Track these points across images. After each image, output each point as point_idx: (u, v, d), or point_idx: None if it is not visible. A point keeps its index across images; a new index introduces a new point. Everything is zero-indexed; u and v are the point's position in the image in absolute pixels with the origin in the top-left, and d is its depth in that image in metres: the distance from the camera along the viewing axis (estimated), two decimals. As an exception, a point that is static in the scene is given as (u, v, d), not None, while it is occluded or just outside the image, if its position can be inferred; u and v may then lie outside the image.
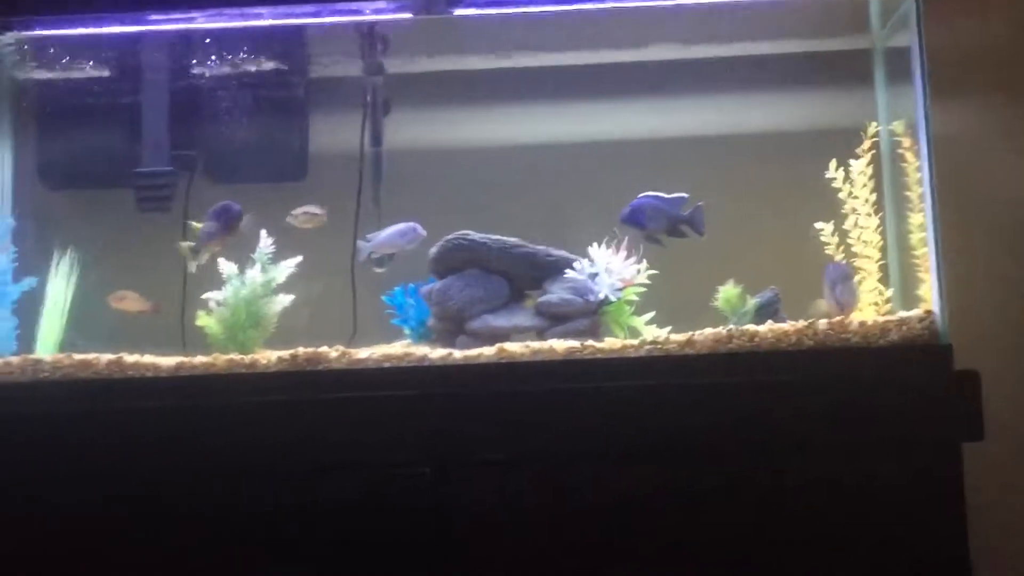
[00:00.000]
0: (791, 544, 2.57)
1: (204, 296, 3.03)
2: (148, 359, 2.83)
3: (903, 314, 2.78)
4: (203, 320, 3.00)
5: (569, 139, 3.45)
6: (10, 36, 3.18)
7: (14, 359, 2.85)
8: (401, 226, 3.08)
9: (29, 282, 3.05)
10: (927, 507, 2.55)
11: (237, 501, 2.63)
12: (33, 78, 3.38)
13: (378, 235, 3.09)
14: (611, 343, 2.77)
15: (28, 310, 3.07)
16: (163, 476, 2.64)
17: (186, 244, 3.05)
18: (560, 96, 3.44)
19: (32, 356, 2.88)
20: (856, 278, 2.96)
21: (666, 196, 2.97)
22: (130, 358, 2.82)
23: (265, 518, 2.62)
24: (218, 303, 3.01)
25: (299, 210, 3.10)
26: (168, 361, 2.82)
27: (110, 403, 2.70)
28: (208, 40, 3.31)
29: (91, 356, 2.82)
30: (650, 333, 2.86)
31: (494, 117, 3.48)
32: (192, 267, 3.05)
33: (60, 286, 3.08)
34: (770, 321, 2.83)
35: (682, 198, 2.97)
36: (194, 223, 3.05)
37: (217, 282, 3.04)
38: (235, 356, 2.83)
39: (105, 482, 2.64)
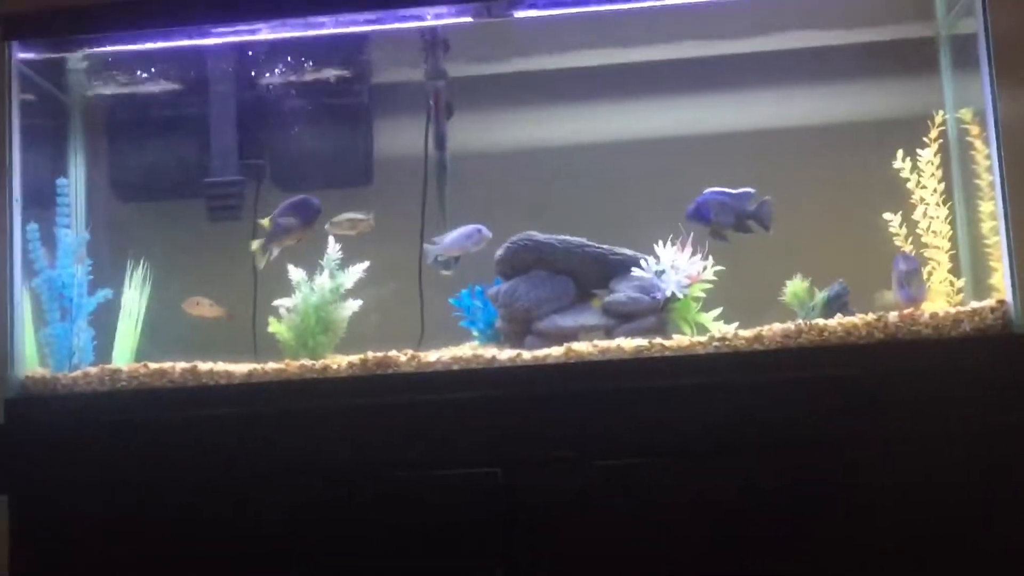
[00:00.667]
0: (864, 538, 2.55)
1: (275, 303, 3.07)
2: (221, 367, 2.88)
3: (975, 304, 2.74)
4: (274, 327, 3.04)
5: (633, 137, 3.44)
6: (80, 54, 3.25)
7: (92, 369, 2.92)
8: (467, 228, 3.09)
9: (104, 293, 3.11)
10: (1002, 500, 2.52)
11: (312, 504, 2.67)
12: (104, 93, 3.45)
13: (444, 238, 3.11)
14: (679, 340, 2.76)
15: (104, 321, 3.12)
16: (238, 482, 2.69)
17: (257, 242, 3.08)
18: (623, 94, 3.43)
19: (109, 366, 2.94)
20: (926, 269, 2.93)
21: (732, 191, 2.96)
22: (204, 366, 2.87)
23: (339, 520, 2.65)
24: (288, 310, 3.05)
25: (341, 216, 3.12)
26: (241, 368, 2.87)
27: (185, 411, 2.76)
28: (272, 50, 3.36)
29: (167, 365, 2.88)
30: (718, 329, 2.85)
31: (557, 117, 3.48)
32: (261, 264, 3.07)
33: (134, 296, 3.14)
34: (839, 315, 2.81)
35: (748, 193, 2.96)
36: (263, 221, 3.08)
37: (287, 289, 3.08)
38: (306, 362, 2.87)
39: (183, 489, 2.70)
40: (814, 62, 3.35)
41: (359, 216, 3.11)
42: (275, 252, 3.06)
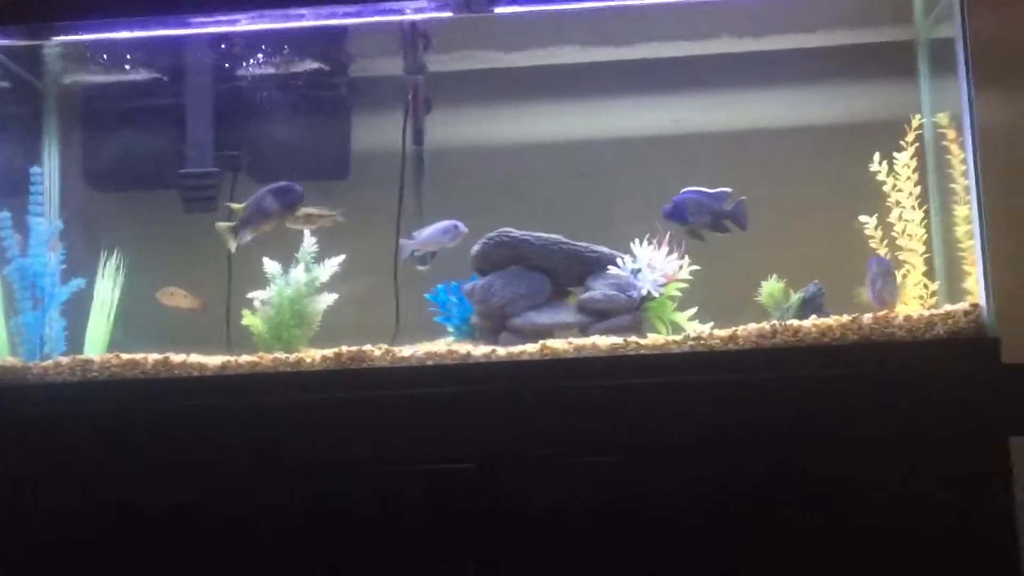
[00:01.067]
0: (835, 540, 2.55)
1: (249, 295, 3.05)
2: (194, 358, 2.86)
3: (949, 307, 2.75)
4: (248, 319, 3.03)
5: (611, 135, 3.44)
6: (57, 41, 3.22)
7: (64, 359, 2.90)
8: (443, 224, 3.08)
9: (77, 283, 3.09)
10: (975, 503, 2.53)
11: (283, 498, 2.65)
12: (80, 81, 3.42)
13: (421, 233, 3.10)
14: (654, 339, 2.77)
15: (76, 311, 3.10)
16: (210, 474, 2.67)
17: (224, 224, 3.05)
18: (601, 92, 3.43)
19: (81, 356, 2.92)
20: (900, 271, 2.94)
21: (709, 191, 2.96)
22: (177, 357, 2.86)
23: (311, 515, 2.63)
24: (263, 302, 3.04)
25: (301, 211, 3.10)
26: (214, 360, 2.85)
27: (157, 402, 2.74)
28: (251, 42, 3.34)
29: (139, 356, 2.86)
30: (693, 329, 2.86)
31: (535, 114, 3.48)
32: (232, 246, 3.04)
33: (107, 287, 3.12)
34: (814, 316, 2.82)
35: (725, 193, 2.96)
36: (234, 204, 3.05)
37: (262, 282, 3.06)
38: (280, 355, 2.85)
39: (153, 480, 2.67)
40: (793, 64, 3.37)
41: (315, 211, 3.08)
42: (248, 237, 3.03)
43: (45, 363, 2.89)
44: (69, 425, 2.69)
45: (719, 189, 2.96)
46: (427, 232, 3.09)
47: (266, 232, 3.05)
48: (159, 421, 2.68)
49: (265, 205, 3.03)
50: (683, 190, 2.97)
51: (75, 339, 3.08)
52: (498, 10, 3.01)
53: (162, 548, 2.65)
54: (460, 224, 3.07)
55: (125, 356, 2.87)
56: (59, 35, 3.16)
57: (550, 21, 3.29)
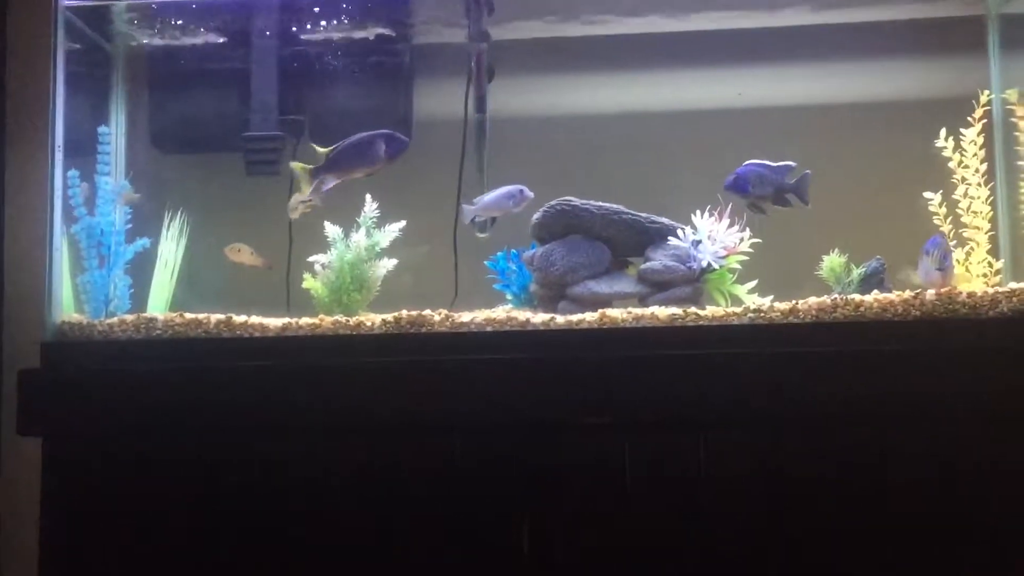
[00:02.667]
0: (895, 519, 2.55)
1: (310, 259, 3.08)
2: (256, 319, 2.90)
3: (1014, 285, 2.73)
4: (309, 283, 3.05)
5: (674, 107, 3.43)
6: (126, 3, 3.26)
7: (128, 317, 2.94)
8: (508, 188, 3.08)
9: (142, 243, 3.13)
10: (1035, 481, 2.52)
11: (340, 460, 2.68)
12: (147, 44, 3.45)
13: (483, 197, 3.10)
14: (713, 311, 2.76)
15: (141, 270, 3.14)
16: (267, 433, 2.70)
17: (300, 165, 3.06)
18: (665, 63, 3.42)
19: (145, 314, 2.96)
20: (964, 248, 2.91)
21: (772, 164, 2.95)
22: (238, 318, 2.89)
23: (369, 476, 2.66)
24: (323, 266, 3.06)
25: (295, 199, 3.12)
26: (275, 322, 2.88)
27: (219, 361, 2.78)
28: (316, 7, 3.36)
29: (201, 316, 2.90)
30: (753, 301, 2.85)
31: (598, 84, 3.47)
32: (307, 192, 3.04)
33: (171, 247, 3.16)
34: (876, 291, 2.80)
35: (788, 166, 2.95)
36: (319, 147, 3.05)
37: (323, 246, 3.09)
38: (340, 318, 2.88)
39: (213, 437, 2.71)
40: (860, 38, 3.33)
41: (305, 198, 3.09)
42: (330, 183, 3.03)
43: (110, 320, 2.94)
44: (132, 381, 2.73)
45: (782, 163, 2.95)
46: (491, 196, 3.09)
47: (353, 179, 3.05)
48: (221, 380, 2.72)
49: (367, 149, 3.02)
50: (745, 163, 2.96)
51: (139, 298, 3.12)
52: (563, -23, 3.01)
53: (222, 506, 2.69)
54: (525, 189, 3.06)
55: (188, 315, 2.91)
56: (126, -2, 3.21)
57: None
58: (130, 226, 3.13)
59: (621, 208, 3.01)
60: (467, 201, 3.15)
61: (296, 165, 3.05)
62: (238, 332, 2.86)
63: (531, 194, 3.06)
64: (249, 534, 2.68)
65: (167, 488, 2.71)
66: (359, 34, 3.43)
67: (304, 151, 3.37)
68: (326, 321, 2.87)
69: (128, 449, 2.73)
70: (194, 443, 2.72)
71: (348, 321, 2.86)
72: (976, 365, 2.54)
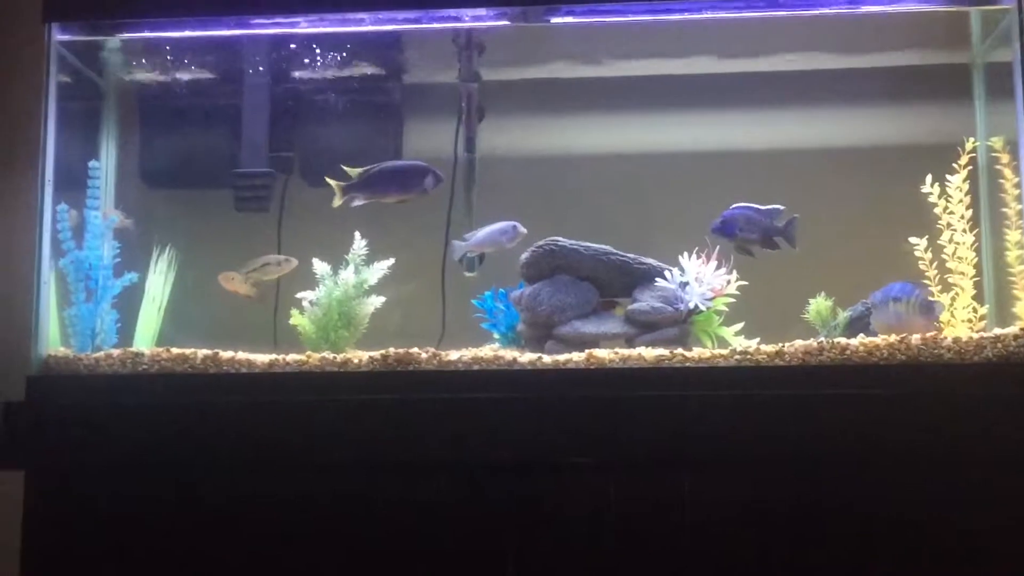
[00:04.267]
0: (875, 561, 2.55)
1: (298, 295, 3.08)
2: (242, 355, 2.89)
3: (998, 331, 2.74)
4: (296, 319, 3.05)
5: (662, 149, 3.46)
6: (119, 38, 3.27)
7: (115, 351, 2.94)
8: (502, 224, 3.09)
9: (130, 277, 3.13)
10: (1019, 528, 2.51)
11: (326, 497, 2.67)
12: (137, 80, 3.47)
13: (476, 234, 3.11)
14: (700, 352, 2.77)
15: (129, 305, 3.14)
16: (254, 471, 2.69)
17: (336, 182, 3.07)
18: (653, 106, 3.45)
19: (132, 349, 2.96)
20: (950, 294, 2.93)
21: (760, 207, 2.96)
22: (225, 354, 2.89)
23: (354, 514, 2.66)
24: (311, 303, 3.06)
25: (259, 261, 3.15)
26: (262, 358, 2.88)
27: (205, 397, 2.77)
28: (307, 45, 3.38)
29: (188, 351, 2.90)
30: (739, 343, 2.86)
31: (587, 126, 3.49)
32: (337, 203, 3.06)
33: (159, 281, 3.16)
34: (861, 335, 2.82)
35: (777, 210, 2.96)
36: (348, 168, 3.07)
37: (310, 282, 3.09)
38: (327, 355, 2.88)
39: (198, 475, 2.71)
40: (847, 83, 3.37)
41: (273, 259, 3.13)
42: (360, 202, 3.07)
43: (96, 354, 2.94)
44: (117, 416, 2.72)
45: (771, 206, 2.96)
46: (484, 232, 3.09)
47: (382, 202, 3.09)
48: (206, 415, 2.71)
49: (404, 177, 3.07)
50: (733, 205, 2.98)
51: (126, 332, 3.12)
52: (554, 21, 3.04)
53: (206, 542, 2.68)
54: (519, 225, 3.08)
55: (175, 350, 2.90)
56: (121, 32, 3.21)
57: (605, 34, 3.30)
58: (118, 260, 3.14)
59: (609, 249, 3.03)
60: (458, 238, 3.16)
61: (332, 181, 3.07)
62: (225, 368, 2.86)
63: (524, 230, 3.08)
64: (234, 571, 2.66)
65: (151, 524, 2.70)
66: (350, 72, 3.45)
67: (293, 189, 3.40)
68: (313, 358, 2.86)
69: (112, 484, 2.72)
70: (179, 479, 2.71)
71: (335, 358, 2.86)
72: (960, 410, 2.55)
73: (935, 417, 2.55)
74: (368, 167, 3.07)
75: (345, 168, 3.07)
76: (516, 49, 3.42)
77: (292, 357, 2.88)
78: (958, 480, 2.54)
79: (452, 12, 3.03)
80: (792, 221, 2.96)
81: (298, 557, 2.65)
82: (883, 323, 2.81)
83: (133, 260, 3.18)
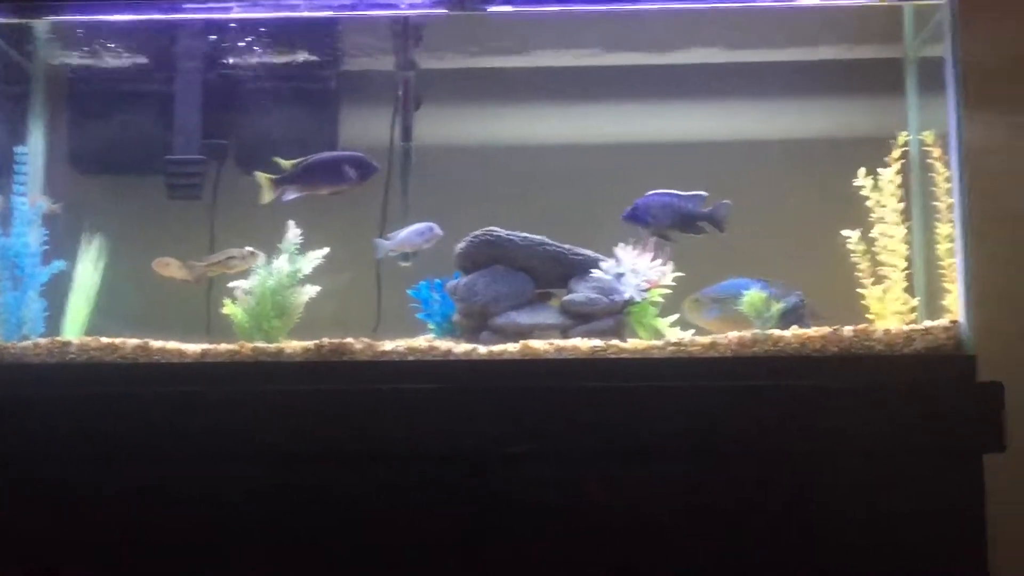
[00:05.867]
0: (807, 550, 2.57)
1: (231, 284, 3.04)
2: (173, 345, 2.85)
3: (928, 323, 2.78)
4: (229, 308, 3.01)
5: (599, 139, 3.46)
6: (47, 21, 3.21)
7: (42, 340, 2.89)
8: (419, 225, 3.08)
9: (58, 265, 3.07)
10: (947, 517, 2.55)
11: (258, 488, 2.64)
12: (68, 64, 3.41)
13: (398, 234, 3.10)
14: (635, 343, 2.78)
15: (57, 293, 3.09)
16: (185, 461, 2.65)
17: (265, 176, 3.04)
18: (591, 96, 3.45)
19: (60, 338, 2.91)
20: (881, 286, 2.96)
21: (681, 193, 2.98)
22: (156, 343, 2.85)
23: (286, 506, 2.63)
24: (245, 292, 3.03)
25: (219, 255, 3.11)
26: (194, 347, 2.84)
27: (135, 387, 2.73)
28: (242, 30, 3.33)
29: (117, 340, 2.85)
30: (674, 335, 2.87)
31: (525, 115, 3.49)
32: (266, 199, 3.04)
33: (88, 269, 3.11)
34: (795, 326, 2.84)
35: (700, 196, 2.98)
36: (282, 160, 3.04)
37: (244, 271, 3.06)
38: (260, 345, 2.85)
39: (127, 465, 2.66)
40: (782, 76, 3.39)
41: (236, 252, 3.08)
42: (292, 195, 3.04)
43: (23, 344, 2.88)
44: (45, 406, 2.67)
45: (693, 192, 2.98)
46: (403, 233, 3.09)
47: (315, 196, 3.06)
48: (136, 406, 2.66)
49: (338, 169, 3.04)
50: (650, 192, 2.99)
51: (54, 321, 3.06)
52: (491, 9, 3.03)
53: (133, 535, 2.64)
54: (435, 226, 3.07)
55: (104, 340, 2.86)
56: (50, 15, 3.15)
57: (543, 24, 3.30)
58: (46, 248, 3.08)
59: (545, 239, 3.02)
60: (389, 230, 3.14)
61: (259, 175, 3.03)
62: (155, 357, 2.82)
63: (441, 232, 3.07)
64: (163, 564, 2.63)
65: (77, 514, 2.65)
66: (285, 59, 3.41)
67: (227, 176, 3.36)
68: (246, 347, 2.83)
69: (39, 475, 2.67)
70: (108, 470, 2.66)
71: (269, 348, 2.83)
72: (891, 401, 2.58)
73: (866, 408, 2.57)
74: (301, 159, 3.03)
75: (278, 160, 3.03)
76: (454, 37, 3.40)
77: (225, 347, 2.84)
78: (888, 469, 2.57)
79: (389, -1, 3.02)
80: (721, 206, 2.97)
81: (229, 550, 2.62)
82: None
83: (62, 247, 3.12)
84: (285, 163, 3.02)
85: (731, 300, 2.92)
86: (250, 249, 3.06)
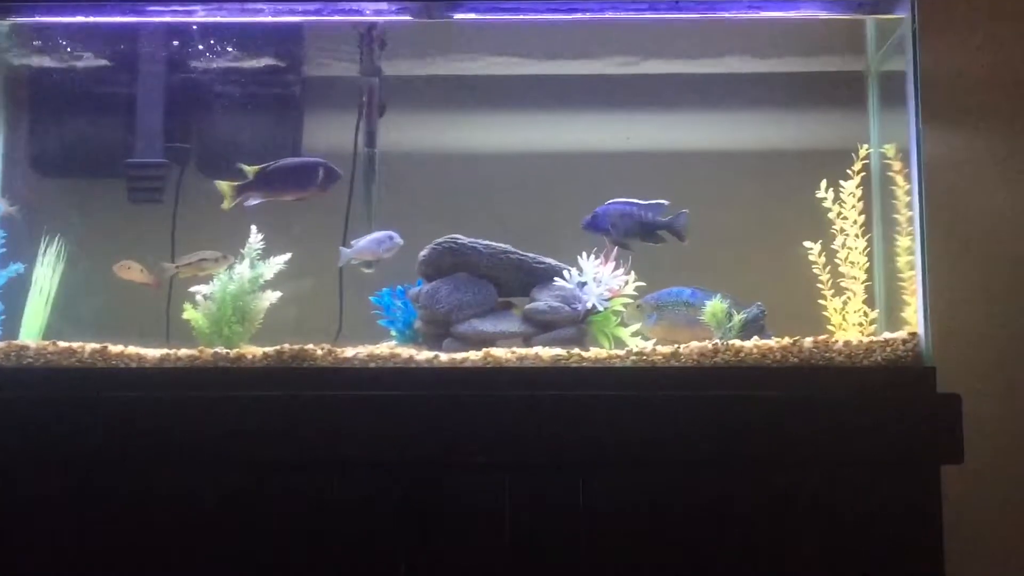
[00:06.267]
0: (766, 559, 2.58)
1: (192, 289, 3.02)
2: (133, 349, 2.83)
3: (888, 335, 2.80)
4: (190, 313, 2.99)
5: (563, 148, 3.46)
6: (7, 21, 3.17)
7: (-1, 344, 2.86)
8: (378, 234, 3.08)
9: (16, 268, 3.05)
10: (905, 528, 2.57)
11: (215, 493, 2.62)
12: (28, 65, 3.37)
13: (358, 242, 3.09)
14: (597, 352, 2.78)
15: (14, 296, 3.05)
16: (143, 465, 2.63)
17: (227, 183, 3.02)
18: (556, 105, 3.45)
19: (17, 342, 2.87)
20: (842, 298, 2.98)
21: (640, 202, 2.99)
22: (115, 348, 2.83)
23: (243, 511, 2.61)
24: (205, 297, 3.01)
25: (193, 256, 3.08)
26: (153, 352, 2.82)
27: (93, 391, 2.70)
28: (206, 34, 3.32)
29: (76, 344, 2.83)
30: (636, 344, 2.87)
31: (489, 124, 3.49)
32: (227, 206, 3.02)
33: (47, 273, 3.07)
34: (756, 337, 2.85)
35: (660, 205, 2.99)
36: (245, 166, 3.02)
37: (204, 276, 3.04)
38: (220, 350, 2.83)
39: (85, 470, 2.63)
40: (745, 88, 3.41)
41: (209, 255, 3.06)
42: (255, 201, 3.02)
43: (-21, 347, 2.85)
44: (2, 411, 2.64)
45: (653, 201, 2.99)
46: (363, 242, 3.08)
47: (278, 202, 3.04)
48: (94, 411, 2.64)
49: (301, 175, 3.02)
50: (609, 201, 3.00)
51: (11, 325, 3.03)
52: (457, 16, 3.03)
53: (88, 540, 2.61)
54: (395, 235, 3.06)
55: (62, 344, 2.83)
56: (10, 16, 3.11)
57: (508, 32, 3.30)
58: (4, 251, 3.05)
59: (508, 248, 3.02)
60: (352, 237, 3.13)
61: (220, 183, 3.02)
62: (114, 362, 2.79)
63: (400, 241, 3.06)
64: (119, 569, 2.60)
65: (35, 520, 2.62)
66: (250, 64, 3.39)
67: (189, 180, 3.34)
68: (206, 353, 2.81)
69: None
70: (65, 475, 2.63)
71: (229, 353, 2.81)
72: (850, 412, 2.60)
73: (826, 418, 2.59)
74: (264, 164, 3.02)
75: (242, 166, 3.02)
76: (418, 44, 3.40)
77: (184, 352, 2.82)
78: (847, 479, 2.59)
79: (354, 5, 3.00)
80: (680, 216, 2.99)
81: (187, 556, 2.60)
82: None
83: (20, 250, 3.09)
84: (249, 169, 3.00)
85: (670, 307, 2.93)
86: (222, 253, 3.03)
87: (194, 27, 3.29)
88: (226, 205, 3.01)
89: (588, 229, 3.01)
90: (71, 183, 3.43)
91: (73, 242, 3.13)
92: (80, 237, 3.17)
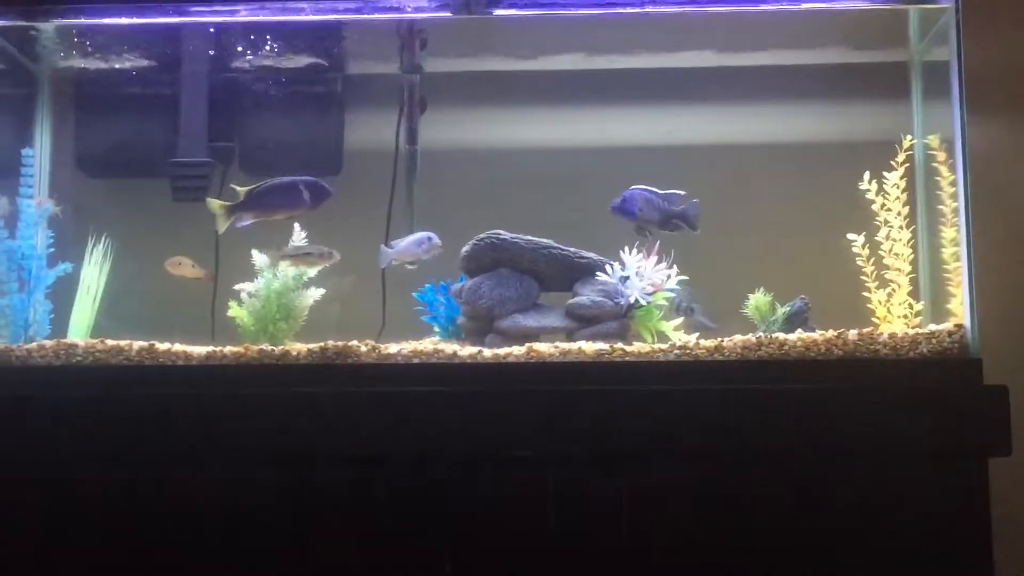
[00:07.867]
0: (813, 553, 2.57)
1: (237, 287, 3.05)
2: (179, 347, 2.86)
3: (933, 327, 2.78)
4: (235, 311, 3.02)
5: (604, 143, 3.46)
6: (53, 24, 3.21)
7: (48, 343, 2.89)
8: (418, 236, 3.08)
9: (64, 267, 3.08)
10: (953, 520, 2.55)
11: (261, 490, 2.64)
12: (75, 66, 3.41)
13: (400, 243, 3.10)
14: (640, 347, 2.78)
15: (63, 295, 3.09)
16: (190, 462, 2.66)
17: (218, 202, 3.03)
18: (599, 100, 3.45)
19: (66, 340, 2.91)
20: (886, 290, 2.96)
21: (659, 191, 2.99)
22: (161, 345, 2.85)
23: (290, 507, 2.63)
24: (250, 295, 3.03)
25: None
26: (199, 350, 2.84)
27: (141, 389, 2.73)
28: (248, 34, 3.34)
29: (123, 342, 2.86)
30: (679, 338, 2.87)
31: (531, 119, 3.50)
32: (221, 229, 3.01)
33: (94, 272, 3.11)
34: (799, 330, 2.84)
35: (676, 194, 3.00)
36: (237, 186, 3.03)
37: (249, 274, 3.06)
38: (265, 347, 2.85)
39: (133, 467, 2.66)
40: (787, 80, 3.39)
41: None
42: (247, 222, 3.01)
43: (29, 346, 2.88)
44: (51, 408, 2.67)
45: (670, 191, 2.99)
46: (404, 243, 3.09)
47: (271, 222, 3.04)
48: (142, 408, 2.66)
49: (290, 194, 3.01)
50: (632, 187, 3.00)
51: (60, 323, 3.07)
52: (497, 12, 3.03)
53: (139, 536, 2.64)
54: (434, 236, 3.06)
55: (110, 342, 2.86)
56: (56, 18, 3.15)
57: (549, 28, 3.30)
58: (52, 250, 3.09)
59: (551, 242, 3.02)
60: (395, 235, 3.14)
61: (211, 202, 3.02)
62: (161, 360, 2.82)
63: (439, 242, 3.05)
64: (168, 565, 2.63)
65: (86, 517, 2.65)
66: (291, 62, 3.41)
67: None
68: (251, 350, 2.83)
69: (46, 476, 2.67)
70: (114, 471, 2.66)
71: (273, 350, 2.83)
72: (896, 404, 2.58)
73: (871, 411, 2.57)
74: (254, 185, 3.02)
75: (235, 187, 3.03)
76: (459, 41, 3.41)
77: (230, 349, 2.84)
78: (893, 473, 2.57)
79: (394, 2, 3.02)
80: (692, 205, 2.98)
81: (233, 552, 2.62)
82: None
83: (68, 250, 3.13)
84: (241, 189, 3.01)
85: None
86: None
87: (236, 26, 3.31)
88: (220, 227, 3.01)
89: (616, 212, 3.01)
90: (117, 183, 3.47)
91: (119, 241, 3.16)
92: (126, 236, 3.20)
